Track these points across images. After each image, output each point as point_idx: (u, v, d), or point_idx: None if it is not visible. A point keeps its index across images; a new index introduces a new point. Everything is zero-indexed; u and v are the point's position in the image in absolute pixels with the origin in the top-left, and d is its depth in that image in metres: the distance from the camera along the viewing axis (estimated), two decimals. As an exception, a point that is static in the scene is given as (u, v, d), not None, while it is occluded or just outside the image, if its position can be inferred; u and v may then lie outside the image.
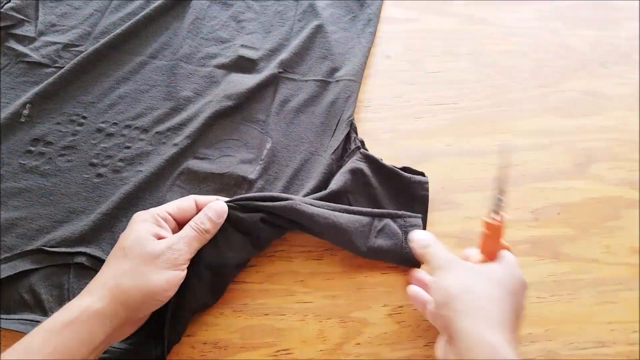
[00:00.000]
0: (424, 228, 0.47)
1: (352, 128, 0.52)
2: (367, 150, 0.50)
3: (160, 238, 0.39)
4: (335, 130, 0.52)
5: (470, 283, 0.36)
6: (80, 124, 0.51)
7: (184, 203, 0.42)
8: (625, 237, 0.49)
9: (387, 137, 0.54)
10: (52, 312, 0.42)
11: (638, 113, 0.57)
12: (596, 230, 0.49)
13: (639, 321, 0.45)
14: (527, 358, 0.43)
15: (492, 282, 0.36)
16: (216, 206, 0.41)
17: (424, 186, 0.48)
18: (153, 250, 0.37)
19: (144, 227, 0.38)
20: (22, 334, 0.41)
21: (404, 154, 0.53)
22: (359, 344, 0.43)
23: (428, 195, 0.48)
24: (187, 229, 0.40)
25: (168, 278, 0.37)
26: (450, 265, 0.38)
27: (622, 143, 0.55)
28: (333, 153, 0.50)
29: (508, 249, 0.40)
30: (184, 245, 0.38)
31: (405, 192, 0.48)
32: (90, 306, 0.34)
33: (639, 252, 0.48)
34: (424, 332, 0.44)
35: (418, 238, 0.43)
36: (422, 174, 0.49)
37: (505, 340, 0.33)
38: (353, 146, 0.51)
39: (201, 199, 0.43)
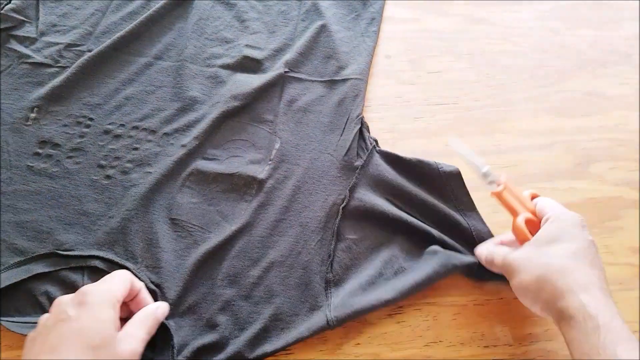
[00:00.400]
0: (472, 202, 0.48)
1: (365, 127, 0.53)
2: (380, 148, 0.51)
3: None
4: (344, 128, 0.52)
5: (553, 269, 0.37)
6: (87, 126, 0.52)
7: (128, 284, 0.39)
8: (625, 237, 0.49)
9: (387, 137, 0.54)
10: None
11: (638, 113, 0.57)
12: (596, 230, 0.49)
13: (639, 321, 0.45)
14: (527, 358, 0.43)
15: (575, 253, 0.37)
16: (165, 309, 0.41)
17: (450, 165, 0.49)
18: (122, 354, 0.34)
19: (110, 319, 0.35)
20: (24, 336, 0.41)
21: (404, 154, 0.53)
22: (359, 344, 0.43)
23: (459, 170, 0.48)
24: (143, 330, 0.37)
25: None
26: (525, 264, 0.38)
27: (622, 143, 0.55)
28: (346, 154, 0.50)
29: (536, 195, 0.43)
30: (142, 346, 0.36)
31: (435, 173, 0.49)
32: None
33: (639, 252, 0.48)
34: (424, 332, 0.44)
35: (480, 255, 0.44)
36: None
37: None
38: (369, 145, 0.51)
39: (136, 283, 0.40)
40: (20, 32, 0.56)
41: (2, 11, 0.57)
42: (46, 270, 0.44)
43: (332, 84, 0.55)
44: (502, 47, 0.62)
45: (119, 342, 0.34)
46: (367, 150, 0.51)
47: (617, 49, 0.62)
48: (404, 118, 0.56)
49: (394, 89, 0.58)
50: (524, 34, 0.63)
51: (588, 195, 0.52)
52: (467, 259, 0.44)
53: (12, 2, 0.58)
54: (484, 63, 0.60)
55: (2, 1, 0.57)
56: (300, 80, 0.55)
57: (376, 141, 0.52)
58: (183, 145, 0.50)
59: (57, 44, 0.56)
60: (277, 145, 0.51)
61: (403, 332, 0.44)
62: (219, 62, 0.56)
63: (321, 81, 0.56)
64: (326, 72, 0.56)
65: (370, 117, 0.55)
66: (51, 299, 0.42)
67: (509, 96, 0.58)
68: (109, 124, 0.52)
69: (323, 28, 0.59)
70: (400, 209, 0.48)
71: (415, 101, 0.57)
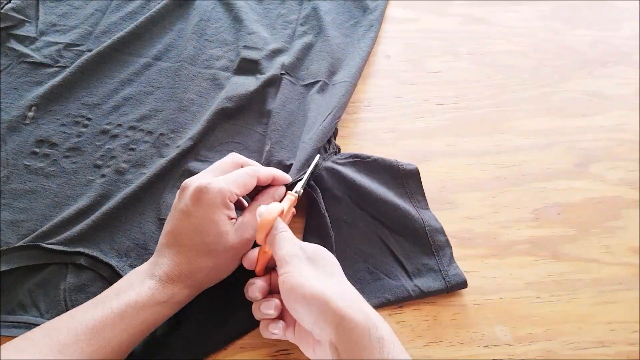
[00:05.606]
0: (426, 202, 0.49)
1: (334, 133, 0.52)
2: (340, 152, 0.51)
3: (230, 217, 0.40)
4: (325, 119, 0.51)
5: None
6: (85, 126, 0.51)
7: (246, 180, 0.40)
8: (625, 237, 0.49)
9: (387, 137, 0.54)
10: (49, 313, 0.41)
11: (638, 113, 0.57)
12: (596, 230, 0.49)
13: (639, 321, 0.45)
14: (527, 358, 0.43)
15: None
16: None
17: (410, 164, 0.50)
18: (233, 244, 0.39)
19: (223, 218, 0.38)
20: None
21: (404, 154, 0.53)
22: (359, 343, 0.43)
23: (417, 168, 0.49)
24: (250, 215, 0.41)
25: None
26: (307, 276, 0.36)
27: (622, 143, 0.55)
28: (320, 146, 0.49)
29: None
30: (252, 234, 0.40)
31: (395, 173, 0.49)
32: (175, 295, 0.37)
33: (639, 252, 0.48)
34: (424, 332, 0.44)
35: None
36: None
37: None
38: (331, 150, 0.51)
39: (261, 171, 0.42)
40: (20, 32, 0.56)
41: (2, 10, 0.57)
42: (28, 263, 0.43)
43: (324, 86, 0.55)
44: (502, 47, 0.62)
45: (230, 235, 0.39)
46: (327, 152, 0.50)
47: (617, 49, 0.62)
48: (404, 118, 0.56)
49: (394, 89, 0.58)
50: (524, 34, 0.63)
51: (588, 195, 0.51)
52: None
53: (12, 1, 0.58)
54: (484, 63, 0.60)
55: (2, 1, 0.57)
56: (294, 84, 0.55)
57: (339, 148, 0.52)
58: (178, 147, 0.50)
59: (57, 43, 0.56)
60: (267, 148, 0.51)
61: (403, 332, 0.44)
62: (218, 64, 0.56)
63: (314, 83, 0.55)
64: (320, 77, 0.56)
65: (370, 117, 0.55)
66: (32, 297, 0.42)
67: (509, 96, 0.58)
68: (107, 124, 0.52)
69: (321, 33, 0.59)
70: (359, 205, 0.48)
71: (415, 101, 0.57)
